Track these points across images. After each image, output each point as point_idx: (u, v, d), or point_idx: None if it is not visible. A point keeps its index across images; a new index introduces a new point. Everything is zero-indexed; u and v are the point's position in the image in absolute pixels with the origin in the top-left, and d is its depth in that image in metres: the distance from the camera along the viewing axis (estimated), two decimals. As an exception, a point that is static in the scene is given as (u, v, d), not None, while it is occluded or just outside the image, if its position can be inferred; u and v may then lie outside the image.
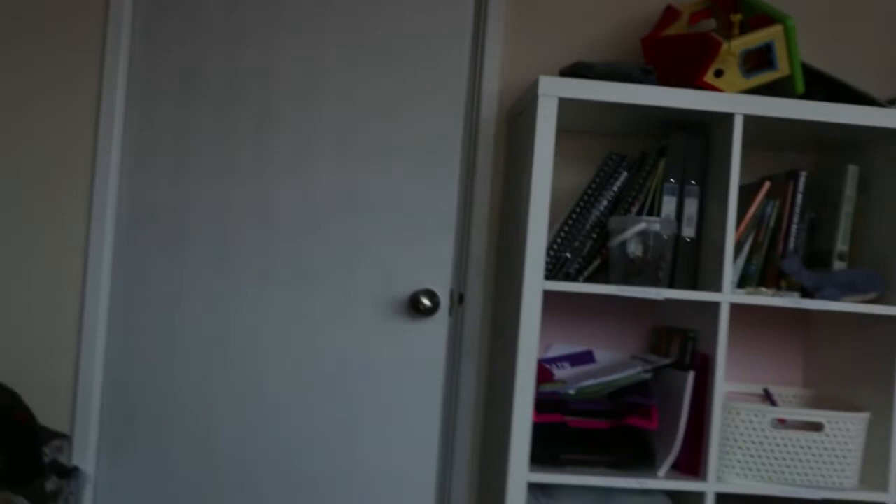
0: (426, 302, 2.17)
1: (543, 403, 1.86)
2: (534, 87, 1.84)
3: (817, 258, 2.04)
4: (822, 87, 1.98)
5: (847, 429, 1.85)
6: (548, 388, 1.91)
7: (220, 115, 2.22)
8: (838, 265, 1.99)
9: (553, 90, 1.81)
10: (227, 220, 2.22)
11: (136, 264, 2.21)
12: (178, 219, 2.22)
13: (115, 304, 2.21)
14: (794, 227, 1.98)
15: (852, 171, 2.00)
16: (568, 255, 1.96)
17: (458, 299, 2.28)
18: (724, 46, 1.84)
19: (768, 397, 2.20)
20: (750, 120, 1.84)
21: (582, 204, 1.99)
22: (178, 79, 2.22)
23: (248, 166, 2.22)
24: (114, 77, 2.20)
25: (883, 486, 1.87)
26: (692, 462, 1.87)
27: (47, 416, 2.19)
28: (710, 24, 2.13)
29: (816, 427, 1.85)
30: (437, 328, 2.22)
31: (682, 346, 1.98)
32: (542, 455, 1.85)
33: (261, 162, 2.22)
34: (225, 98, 2.22)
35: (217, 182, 2.22)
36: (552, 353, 2.20)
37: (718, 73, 1.87)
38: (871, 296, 1.89)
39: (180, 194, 2.22)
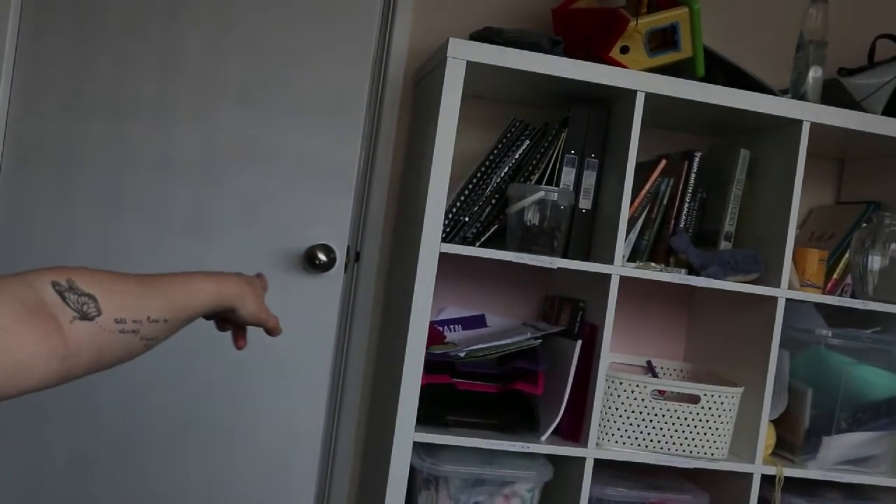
0: (322, 257, 2.16)
1: (433, 364, 1.87)
2: (443, 48, 1.84)
3: (705, 237, 2.11)
4: (722, 72, 2.04)
5: (721, 402, 1.93)
6: (438, 349, 1.92)
7: (119, 52, 2.14)
8: (724, 245, 2.06)
9: (462, 53, 1.80)
10: (122, 163, 2.14)
11: (21, 206, 2.12)
12: (68, 160, 2.13)
13: (-5, 243, 2.12)
14: (685, 206, 2.04)
15: (744, 154, 2.07)
16: (466, 219, 1.97)
17: (355, 257, 2.27)
18: (632, 24, 1.86)
19: (650, 369, 2.27)
20: (651, 98, 1.87)
21: (483, 169, 2.00)
22: (75, 10, 2.12)
23: (147, 107, 2.15)
24: (6, 4, 2.09)
25: (751, 458, 1.96)
26: (574, 428, 1.92)
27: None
28: None
29: (693, 399, 1.93)
30: (331, 284, 2.20)
31: (571, 316, 2.02)
32: (429, 416, 1.87)
33: (161, 104, 2.15)
34: (126, 33, 2.13)
35: (113, 122, 2.14)
36: (445, 316, 2.22)
37: (624, 50, 1.90)
38: (753, 276, 1.97)
39: (72, 133, 2.13)
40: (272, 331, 1.15)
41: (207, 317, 1.09)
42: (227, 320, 1.12)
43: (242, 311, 1.08)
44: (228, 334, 1.16)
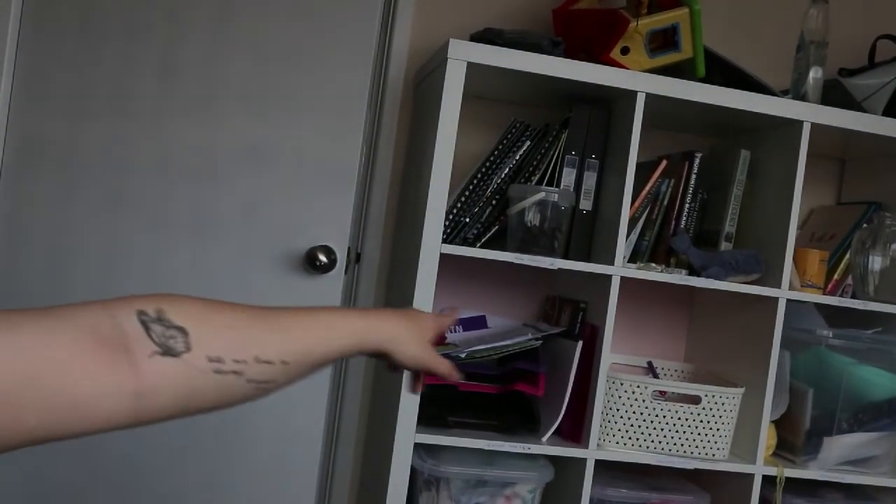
0: (323, 258, 2.16)
1: (434, 366, 1.87)
2: (443, 49, 1.84)
3: (705, 237, 2.11)
4: (722, 72, 2.04)
5: (722, 403, 1.93)
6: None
7: (120, 53, 2.14)
8: (725, 245, 2.06)
9: (462, 54, 1.80)
10: (122, 164, 2.14)
11: (22, 206, 2.12)
12: (69, 161, 2.13)
13: (-4, 244, 2.12)
14: (686, 207, 2.04)
15: (744, 155, 2.07)
16: (467, 220, 1.97)
17: (356, 258, 2.27)
18: (632, 25, 1.86)
19: (651, 370, 2.27)
20: (652, 99, 1.87)
21: (484, 170, 2.00)
22: (76, 11, 2.12)
23: (149, 108, 2.15)
24: (6, 4, 2.09)
25: (752, 458, 1.96)
26: (575, 429, 1.92)
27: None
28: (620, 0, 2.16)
29: (694, 400, 1.92)
30: (332, 285, 2.20)
31: (572, 317, 2.02)
32: (430, 416, 1.87)
33: (162, 105, 2.15)
34: (127, 35, 2.13)
35: (115, 123, 2.14)
36: (446, 317, 2.21)
37: (625, 51, 1.90)
38: (753, 276, 1.97)
39: (73, 134, 2.13)
40: (447, 377, 1.01)
41: (373, 357, 0.97)
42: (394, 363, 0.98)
43: (398, 356, 0.94)
44: None
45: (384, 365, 0.98)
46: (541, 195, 1.87)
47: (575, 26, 2.04)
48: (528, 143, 2.00)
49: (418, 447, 1.85)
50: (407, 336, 0.94)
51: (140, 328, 0.72)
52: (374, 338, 0.90)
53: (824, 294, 2.05)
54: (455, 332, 2.20)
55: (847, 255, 2.14)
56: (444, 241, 1.86)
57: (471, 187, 1.99)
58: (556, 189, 1.92)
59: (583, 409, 1.91)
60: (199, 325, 0.75)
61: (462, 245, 1.88)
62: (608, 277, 1.87)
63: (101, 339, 0.69)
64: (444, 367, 1.00)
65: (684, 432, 1.92)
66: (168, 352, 0.72)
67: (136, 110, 2.15)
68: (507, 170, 1.99)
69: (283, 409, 2.20)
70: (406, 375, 1.03)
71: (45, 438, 0.68)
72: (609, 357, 1.89)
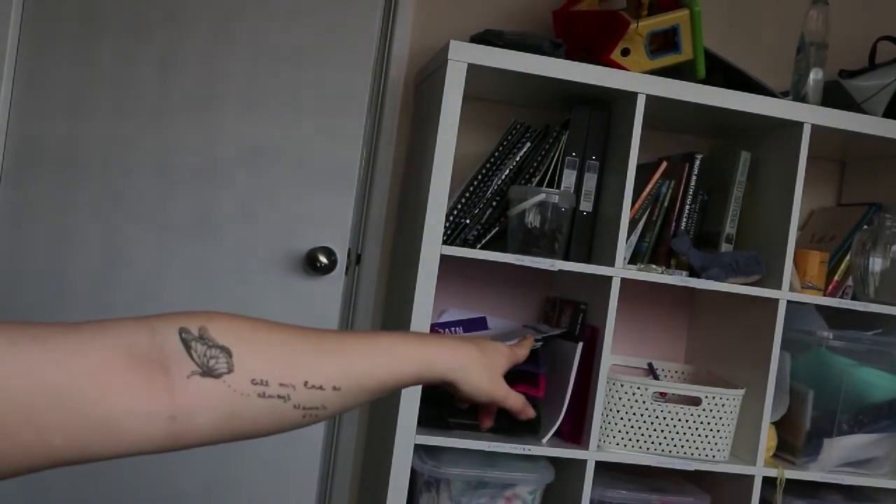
0: (323, 259, 2.16)
1: (434, 367, 1.87)
2: (444, 51, 1.84)
3: (706, 239, 2.11)
4: (722, 74, 2.04)
5: (722, 404, 1.93)
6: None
7: (120, 53, 2.14)
8: (725, 247, 2.06)
9: (462, 55, 1.80)
10: (123, 165, 2.15)
11: (22, 206, 2.13)
12: (69, 161, 2.13)
13: (-4, 245, 2.12)
14: (686, 208, 2.04)
15: (744, 156, 2.07)
16: (467, 221, 1.97)
17: (356, 259, 2.27)
18: (632, 26, 1.86)
19: (651, 371, 2.27)
20: (652, 100, 1.87)
21: (484, 171, 2.00)
22: (76, 12, 2.12)
23: (149, 109, 2.15)
24: (6, 5, 2.09)
25: (752, 460, 1.96)
26: (576, 431, 1.92)
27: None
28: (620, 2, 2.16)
29: (695, 401, 1.92)
30: (332, 287, 2.20)
31: (572, 318, 2.02)
32: (430, 418, 1.87)
33: (162, 105, 2.15)
34: (127, 35, 2.14)
35: (115, 123, 2.14)
36: (446, 318, 2.22)
37: (625, 52, 1.90)
38: (754, 278, 1.97)
39: (73, 135, 2.13)
40: (518, 413, 0.94)
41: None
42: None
43: (465, 387, 0.87)
44: None
45: (454, 396, 0.92)
46: (541, 196, 1.87)
47: (575, 28, 2.04)
48: (528, 144, 2.00)
49: (419, 448, 1.85)
50: (476, 366, 0.88)
51: (181, 346, 0.67)
52: (439, 367, 0.84)
53: (824, 295, 2.04)
54: (456, 333, 2.20)
55: (847, 257, 2.14)
56: (445, 242, 1.86)
57: (471, 188, 1.99)
58: (557, 190, 1.92)
59: (583, 411, 1.91)
60: (244, 345, 0.70)
61: (462, 246, 1.88)
62: (608, 279, 1.87)
63: (136, 357, 0.65)
64: (517, 402, 0.93)
65: (684, 434, 1.92)
66: (209, 372, 0.68)
67: (136, 110, 2.15)
68: (508, 171, 1.99)
69: (284, 410, 2.19)
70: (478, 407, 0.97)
71: (71, 460, 0.64)
72: (609, 358, 1.89)
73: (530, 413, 0.95)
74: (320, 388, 0.74)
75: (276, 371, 0.71)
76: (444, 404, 1.91)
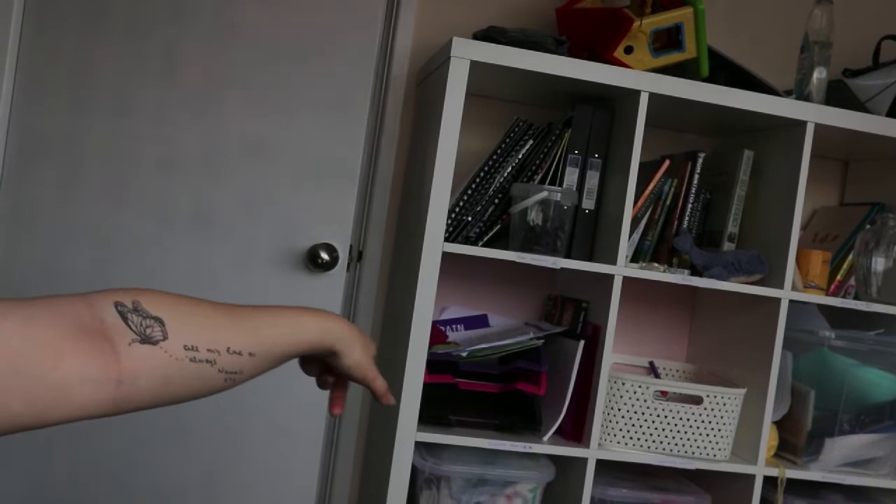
0: (325, 256, 2.16)
1: (435, 364, 1.87)
2: (446, 48, 1.83)
3: (708, 238, 2.11)
4: (725, 72, 2.03)
5: (724, 403, 1.92)
6: (441, 349, 1.92)
7: (123, 49, 2.14)
8: (727, 246, 2.06)
9: (465, 53, 1.80)
10: (125, 160, 2.14)
11: (24, 203, 2.12)
12: (71, 157, 2.13)
13: (0, 245, 2.12)
14: (689, 206, 2.04)
15: (747, 155, 2.06)
16: (469, 218, 1.97)
17: (358, 256, 2.27)
18: (636, 24, 1.86)
19: (653, 370, 2.27)
20: (655, 98, 1.87)
21: (486, 169, 2.00)
22: (78, 7, 2.12)
23: (151, 105, 2.15)
24: (8, 2, 2.09)
25: (753, 459, 1.95)
26: (577, 429, 1.92)
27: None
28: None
29: (696, 400, 1.92)
30: (334, 283, 2.20)
31: (574, 316, 2.02)
32: (431, 415, 1.87)
33: (164, 101, 2.15)
34: (129, 31, 2.13)
35: (117, 120, 2.14)
36: (447, 316, 2.22)
37: (628, 50, 1.90)
38: (756, 277, 1.97)
39: (75, 131, 2.13)
40: (380, 396, 1.02)
41: (309, 368, 1.02)
42: (330, 371, 1.02)
43: (347, 359, 0.95)
44: None
45: (318, 381, 1.03)
46: (543, 194, 1.87)
47: (578, 25, 2.04)
48: (530, 141, 2.00)
49: (419, 446, 1.85)
50: (359, 343, 0.96)
51: (118, 318, 0.75)
52: (332, 336, 0.93)
53: (827, 295, 2.04)
54: (457, 330, 2.20)
55: (850, 257, 2.13)
56: (447, 239, 1.86)
57: (473, 186, 1.99)
58: (559, 188, 1.92)
59: (584, 409, 1.91)
60: (175, 315, 0.78)
61: (464, 244, 1.88)
62: (610, 277, 1.87)
63: (83, 328, 0.72)
64: (383, 385, 1.02)
65: (686, 432, 1.91)
66: (147, 340, 0.75)
67: (138, 107, 2.15)
68: (510, 168, 1.99)
69: (284, 407, 2.20)
70: (328, 395, 1.06)
71: (30, 425, 0.69)
72: (611, 357, 1.89)
73: (391, 400, 1.04)
74: (239, 353, 0.83)
75: (204, 338, 0.80)
76: (445, 402, 1.90)
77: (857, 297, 2.06)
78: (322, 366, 1.01)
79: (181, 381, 0.79)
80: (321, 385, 1.04)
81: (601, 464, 1.92)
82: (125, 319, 0.75)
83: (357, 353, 0.96)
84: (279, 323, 0.88)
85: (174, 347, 0.77)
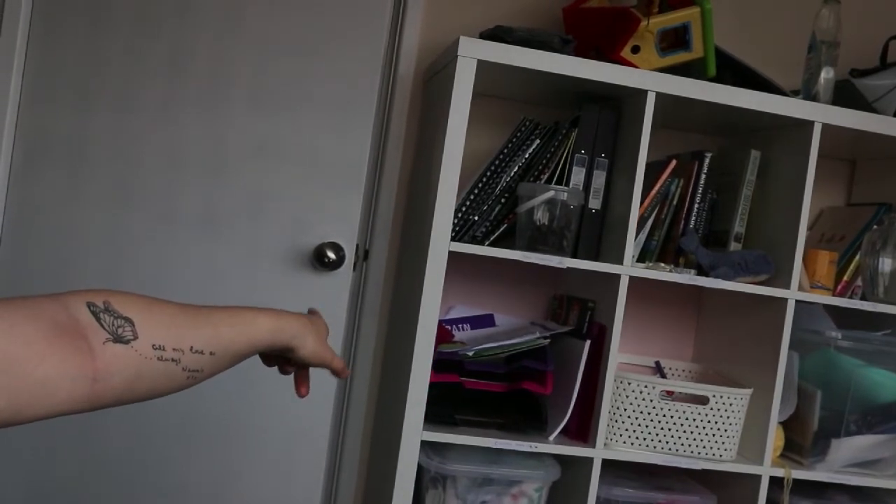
0: (331, 255, 2.16)
1: (441, 363, 1.87)
2: (453, 47, 1.84)
3: (715, 238, 2.11)
4: (732, 72, 2.03)
5: (730, 403, 1.92)
6: (447, 348, 1.92)
7: (129, 48, 2.14)
8: (734, 246, 2.06)
9: (472, 52, 1.80)
10: (131, 159, 2.15)
11: (31, 201, 2.13)
12: (78, 156, 2.14)
13: (7, 243, 2.13)
14: (695, 206, 2.04)
15: (754, 155, 2.06)
16: (476, 218, 1.97)
17: (364, 255, 2.27)
18: (643, 23, 1.86)
19: (659, 370, 2.27)
20: (662, 98, 1.87)
21: (493, 168, 2.00)
22: (85, 7, 2.13)
23: (157, 104, 2.15)
24: (16, 1, 2.09)
25: (759, 459, 1.95)
26: (582, 428, 1.92)
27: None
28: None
29: (702, 400, 1.92)
30: (340, 282, 2.20)
31: (580, 316, 2.02)
32: (437, 414, 1.87)
33: (171, 100, 2.16)
34: (136, 30, 2.14)
35: (124, 119, 2.14)
36: (454, 315, 2.22)
37: (635, 50, 1.89)
38: (762, 277, 1.96)
39: (82, 129, 2.14)
40: (338, 372, 1.09)
41: (268, 361, 1.07)
42: (289, 362, 1.07)
43: (302, 351, 1.01)
44: None
45: (279, 369, 1.08)
46: (550, 194, 1.87)
47: (585, 24, 2.04)
48: (537, 141, 2.00)
49: (425, 445, 1.85)
50: (311, 334, 1.01)
51: (91, 317, 0.78)
52: (286, 334, 0.98)
53: (833, 295, 2.04)
54: (463, 329, 2.20)
55: (857, 257, 2.13)
56: (453, 238, 1.86)
57: (480, 185, 1.99)
58: (566, 188, 1.92)
59: (590, 409, 1.91)
60: (143, 316, 0.82)
61: (471, 243, 1.88)
62: (617, 277, 1.87)
63: (60, 326, 0.75)
64: (340, 363, 1.08)
65: (692, 433, 1.91)
66: (119, 339, 0.79)
67: (145, 106, 2.15)
68: (517, 168, 1.99)
69: (290, 406, 2.20)
70: (293, 378, 1.11)
71: (10, 421, 0.72)
72: (617, 356, 1.89)
73: (347, 372, 1.12)
74: (201, 352, 0.87)
75: (170, 338, 0.84)
76: (451, 401, 1.91)
77: (863, 298, 2.06)
78: (281, 358, 1.06)
79: (149, 379, 0.82)
80: (283, 372, 1.09)
81: (607, 463, 1.92)
82: (98, 319, 0.78)
83: (310, 343, 1.01)
84: (236, 322, 0.92)
85: (144, 346, 0.81)
